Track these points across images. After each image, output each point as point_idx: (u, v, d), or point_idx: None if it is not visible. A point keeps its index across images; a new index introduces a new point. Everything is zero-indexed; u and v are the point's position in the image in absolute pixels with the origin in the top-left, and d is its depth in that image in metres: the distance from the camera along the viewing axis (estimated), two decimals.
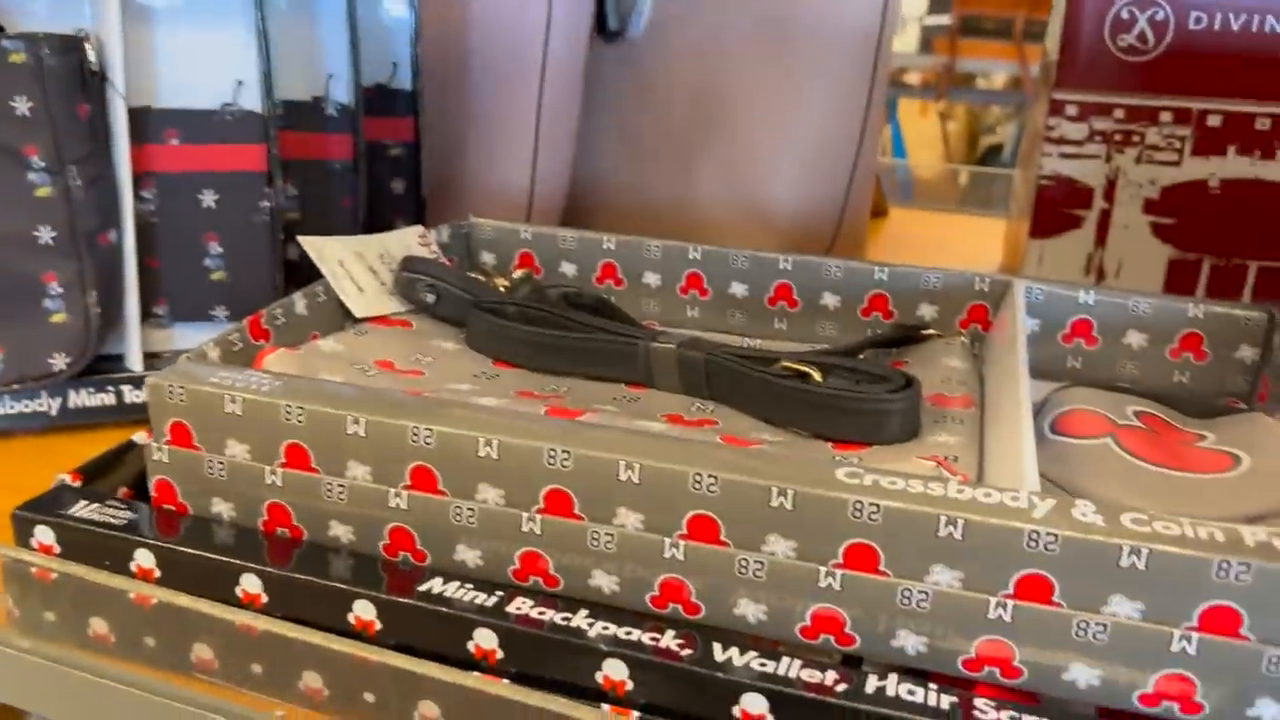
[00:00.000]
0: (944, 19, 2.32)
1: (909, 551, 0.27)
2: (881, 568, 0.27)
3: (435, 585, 0.30)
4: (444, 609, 0.29)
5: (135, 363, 0.47)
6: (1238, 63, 0.53)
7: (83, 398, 0.46)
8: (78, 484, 0.35)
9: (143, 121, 0.46)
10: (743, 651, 0.28)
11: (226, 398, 0.32)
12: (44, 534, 0.33)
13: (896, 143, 2.36)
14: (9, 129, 0.42)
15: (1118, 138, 0.56)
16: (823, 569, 0.27)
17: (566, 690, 0.28)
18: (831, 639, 0.28)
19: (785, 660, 0.27)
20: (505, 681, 0.28)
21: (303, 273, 0.46)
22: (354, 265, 0.44)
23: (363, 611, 0.30)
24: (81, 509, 0.33)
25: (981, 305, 0.45)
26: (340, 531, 0.32)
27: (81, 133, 0.44)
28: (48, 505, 0.33)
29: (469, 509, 0.30)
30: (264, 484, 0.32)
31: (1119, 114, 0.55)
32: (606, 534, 0.29)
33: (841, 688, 0.26)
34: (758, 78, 0.66)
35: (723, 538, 0.28)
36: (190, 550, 0.31)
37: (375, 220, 0.55)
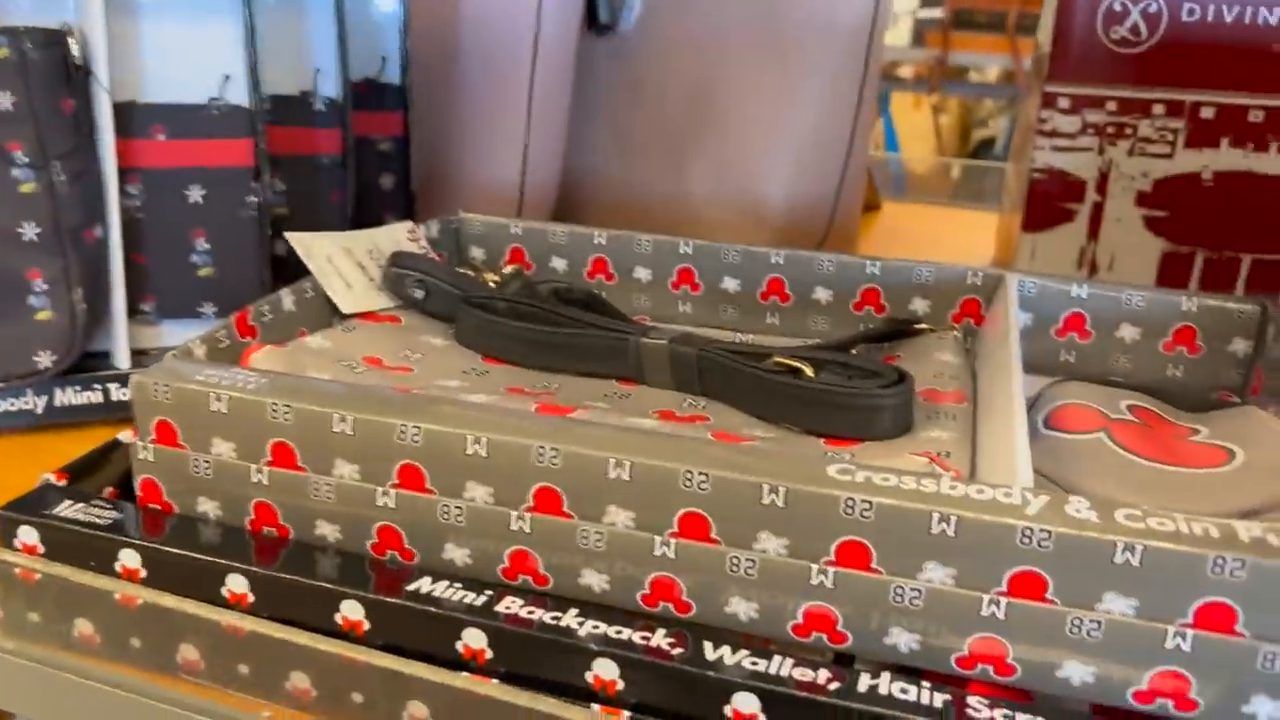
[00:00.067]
0: (936, 12, 2.32)
1: (901, 548, 0.26)
2: (874, 565, 0.27)
3: (424, 584, 0.30)
4: (432, 608, 0.29)
5: (122, 360, 0.47)
6: (1230, 55, 0.53)
7: (69, 396, 0.45)
8: (62, 483, 0.34)
9: (128, 116, 0.46)
10: (734, 650, 0.27)
11: (212, 396, 0.31)
12: (28, 534, 0.32)
13: (889, 136, 2.35)
14: None
15: (1110, 130, 0.56)
16: (814, 566, 0.27)
17: (556, 690, 0.28)
18: (824, 637, 0.28)
19: (777, 659, 0.27)
20: (494, 681, 0.28)
21: (291, 269, 0.46)
22: (342, 261, 0.43)
23: (350, 611, 0.29)
24: (66, 509, 0.33)
25: (974, 299, 0.45)
26: (327, 530, 0.31)
27: (66, 128, 0.43)
28: (32, 505, 0.33)
29: (457, 507, 0.30)
30: (250, 483, 0.32)
31: (1111, 106, 0.55)
32: (596, 532, 0.29)
33: (834, 686, 0.26)
34: (749, 72, 0.66)
35: (714, 535, 0.28)
36: (176, 550, 0.31)
37: (364, 215, 0.55)
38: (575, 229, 0.50)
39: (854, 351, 0.42)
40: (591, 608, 0.29)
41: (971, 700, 0.26)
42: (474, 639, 0.28)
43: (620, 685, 0.27)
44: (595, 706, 0.27)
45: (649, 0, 0.68)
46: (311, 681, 0.29)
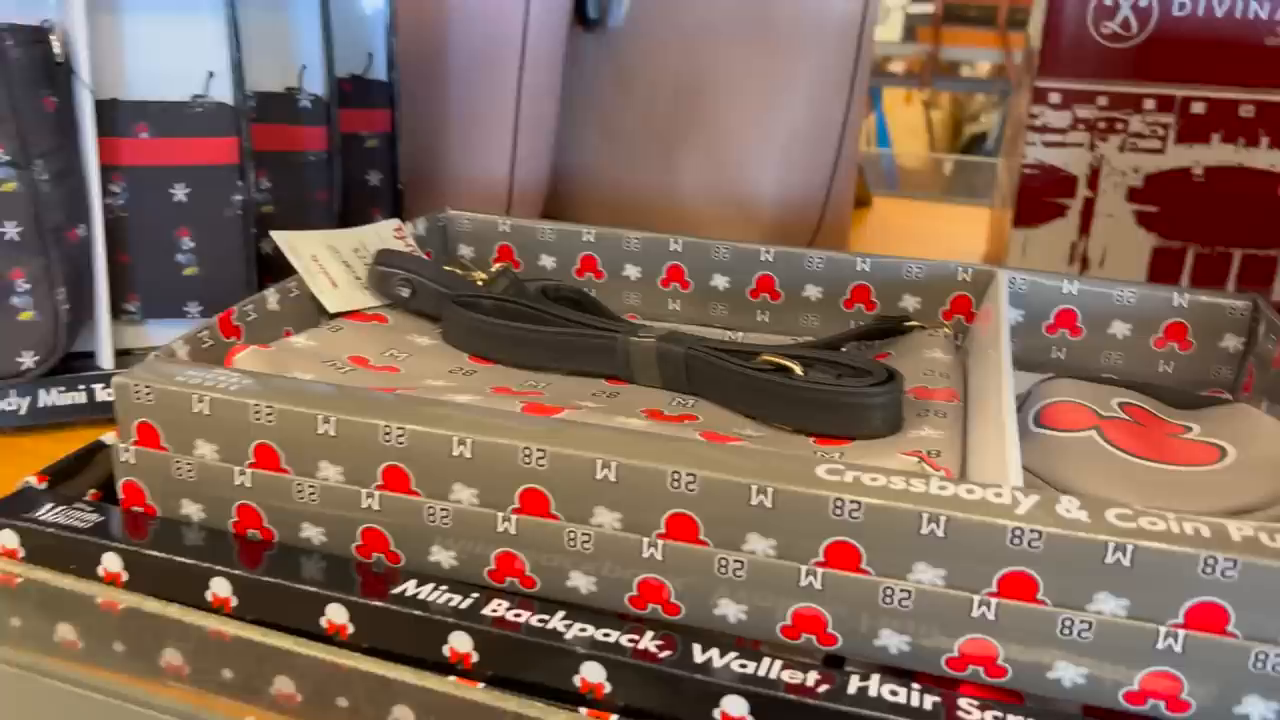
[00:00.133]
0: (927, 7, 2.31)
1: (891, 549, 0.26)
2: (863, 566, 0.27)
3: (409, 588, 0.29)
4: (418, 612, 0.28)
5: (106, 360, 0.46)
6: (1221, 49, 0.53)
7: (53, 396, 0.45)
8: (44, 486, 0.34)
9: (111, 114, 0.45)
10: (723, 653, 0.27)
11: (194, 397, 0.31)
12: (8, 538, 0.32)
13: (880, 132, 2.35)
14: None
15: (1101, 126, 0.55)
16: (803, 568, 0.27)
17: (544, 693, 0.27)
18: (813, 639, 0.28)
19: (766, 661, 0.27)
20: (481, 685, 0.27)
21: (277, 267, 0.45)
22: (328, 260, 0.43)
23: (335, 615, 0.29)
24: (47, 512, 0.32)
25: (964, 296, 0.45)
26: (312, 533, 0.31)
27: (48, 126, 0.43)
28: (12, 508, 0.32)
29: (443, 509, 0.29)
30: (233, 485, 0.31)
31: (1102, 102, 0.55)
32: (584, 534, 0.28)
33: (823, 689, 0.26)
34: (740, 67, 0.66)
35: (702, 537, 0.28)
36: (158, 554, 0.31)
37: (351, 213, 0.54)
38: (564, 226, 0.50)
39: (844, 349, 0.41)
40: (579, 610, 0.29)
41: (962, 702, 0.26)
42: (460, 642, 0.28)
43: (608, 688, 0.27)
44: (583, 710, 0.27)
45: None
46: (296, 686, 0.29)
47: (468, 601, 0.29)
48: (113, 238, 0.46)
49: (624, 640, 0.27)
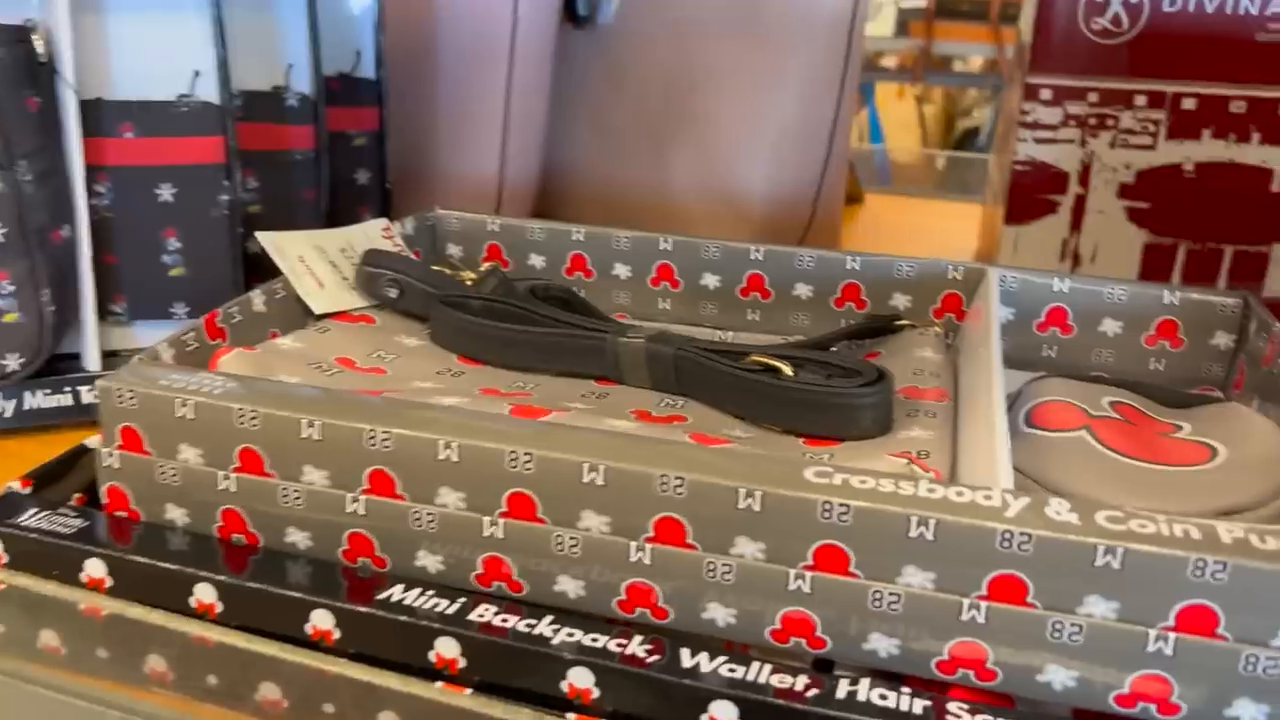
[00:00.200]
0: (919, 2, 2.31)
1: (880, 552, 0.26)
2: (852, 569, 0.26)
3: (396, 593, 0.29)
4: (403, 617, 0.28)
5: (92, 362, 0.46)
6: (1212, 45, 0.53)
7: (38, 399, 0.45)
8: (27, 490, 0.34)
9: (95, 114, 0.45)
10: (712, 657, 0.27)
11: (178, 401, 0.31)
12: None
13: (874, 127, 2.35)
14: None
15: (1092, 122, 0.55)
16: (792, 571, 0.27)
17: (531, 699, 0.27)
18: (802, 642, 0.27)
19: (755, 666, 0.27)
20: (468, 691, 0.27)
21: (265, 267, 0.45)
22: (314, 260, 0.43)
23: (321, 621, 0.29)
24: (30, 517, 0.32)
25: (955, 294, 0.44)
26: (297, 538, 0.31)
27: (31, 126, 0.43)
28: None
29: (429, 514, 0.29)
30: (217, 489, 0.31)
31: (1093, 98, 0.55)
32: (571, 538, 0.28)
33: (812, 693, 0.26)
34: (730, 63, 0.66)
35: (690, 540, 0.27)
36: (142, 559, 0.30)
37: (340, 212, 0.54)
38: (553, 225, 0.49)
39: (834, 349, 0.41)
40: (567, 615, 0.28)
41: (952, 706, 0.26)
42: (447, 648, 0.28)
43: (596, 694, 0.27)
44: (571, 716, 0.27)
45: None
46: (282, 692, 0.29)
47: (454, 607, 0.28)
48: (98, 238, 0.45)
49: (612, 645, 0.27)
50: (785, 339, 0.46)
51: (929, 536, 0.25)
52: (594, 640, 0.27)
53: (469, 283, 0.44)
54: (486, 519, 0.29)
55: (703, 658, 0.27)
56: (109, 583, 0.31)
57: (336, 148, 0.54)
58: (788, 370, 0.35)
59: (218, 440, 0.31)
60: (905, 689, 0.26)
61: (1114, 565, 0.24)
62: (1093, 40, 0.54)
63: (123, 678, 0.30)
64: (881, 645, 0.27)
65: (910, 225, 0.82)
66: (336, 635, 0.29)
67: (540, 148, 0.67)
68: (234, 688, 0.29)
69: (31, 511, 0.32)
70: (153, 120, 0.46)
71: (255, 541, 0.31)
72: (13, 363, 0.43)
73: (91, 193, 0.45)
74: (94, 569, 0.31)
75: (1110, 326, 0.43)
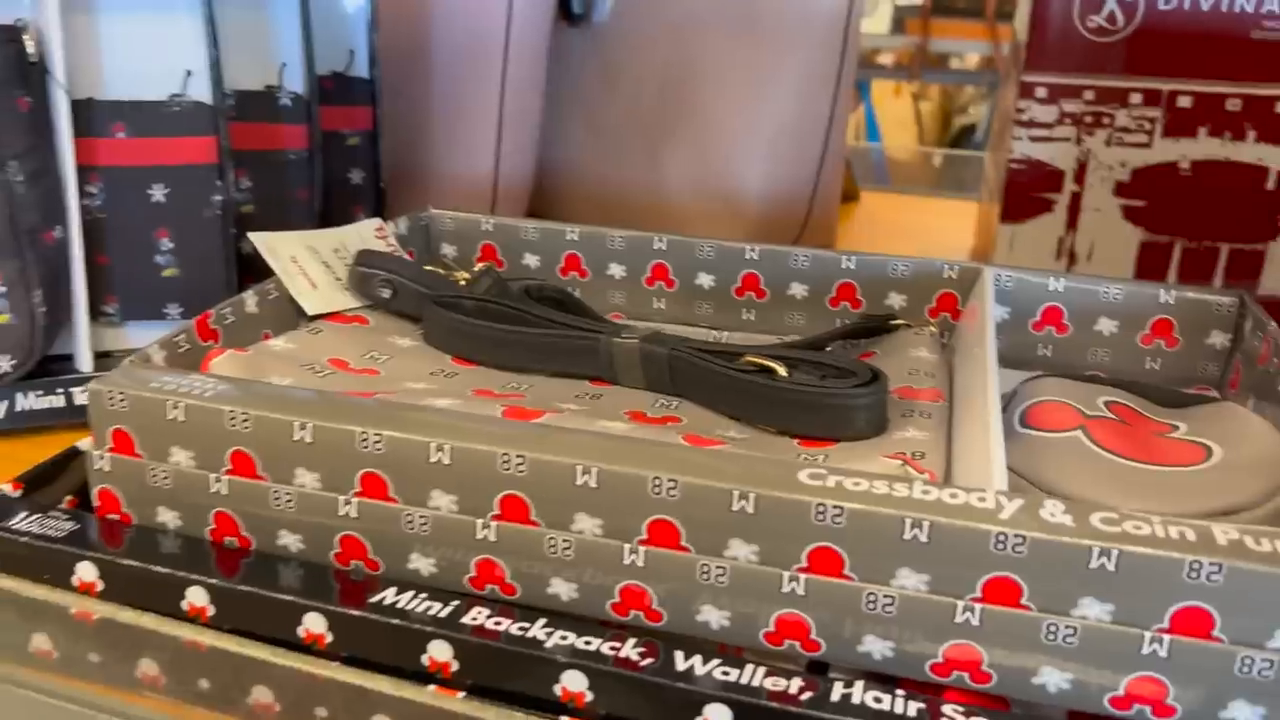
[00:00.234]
0: None
1: (874, 555, 0.26)
2: (846, 571, 0.26)
3: (388, 596, 0.29)
4: (396, 621, 0.28)
5: (85, 363, 0.46)
6: (1207, 43, 0.53)
7: (30, 400, 0.44)
8: (18, 493, 0.34)
9: (87, 114, 0.44)
10: (706, 660, 0.27)
11: (169, 403, 0.30)
12: None
13: (870, 125, 2.35)
14: None
15: (1088, 120, 0.55)
16: (786, 574, 0.27)
17: (524, 703, 0.27)
18: (797, 645, 0.27)
19: (749, 668, 0.26)
20: (461, 695, 0.27)
21: (259, 267, 0.45)
22: (307, 261, 0.43)
23: (313, 624, 0.29)
24: (21, 520, 0.32)
25: (950, 294, 0.44)
26: (289, 541, 0.31)
27: (22, 126, 0.42)
28: None
29: (422, 517, 0.29)
30: (209, 492, 0.31)
31: (1089, 96, 0.55)
32: (564, 540, 0.28)
33: (806, 696, 0.26)
34: (725, 61, 0.65)
35: (684, 543, 0.27)
36: (134, 563, 0.30)
37: (333, 212, 0.54)
38: (547, 225, 0.49)
39: (829, 349, 0.41)
40: (560, 618, 0.28)
41: (946, 708, 0.25)
42: (439, 651, 0.28)
43: (590, 697, 0.27)
44: (564, 719, 0.27)
45: None
46: (274, 696, 0.29)
47: (447, 610, 0.28)
48: (90, 239, 0.45)
49: (605, 648, 0.27)
50: (780, 339, 0.46)
51: (923, 539, 0.25)
52: (587, 643, 0.27)
53: (463, 283, 0.44)
54: (479, 521, 0.29)
55: (696, 660, 0.27)
56: (100, 586, 0.31)
57: (330, 147, 0.53)
58: (782, 371, 0.35)
59: (209, 443, 0.30)
60: (900, 691, 0.26)
61: (1109, 567, 0.24)
62: (1088, 38, 0.54)
63: (115, 681, 0.30)
64: (876, 648, 0.27)
65: (906, 223, 0.82)
66: (329, 639, 0.29)
67: (535, 146, 0.67)
68: (226, 691, 0.29)
69: (22, 515, 0.32)
70: (145, 120, 0.45)
71: (247, 544, 0.31)
72: (4, 364, 0.43)
73: (83, 193, 0.45)
74: (85, 572, 0.31)
75: (1106, 326, 0.43)
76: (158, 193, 0.46)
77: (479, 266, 0.45)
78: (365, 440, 0.29)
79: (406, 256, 0.47)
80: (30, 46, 0.42)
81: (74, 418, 0.45)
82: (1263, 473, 0.31)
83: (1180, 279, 0.56)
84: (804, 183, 0.68)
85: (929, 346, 0.41)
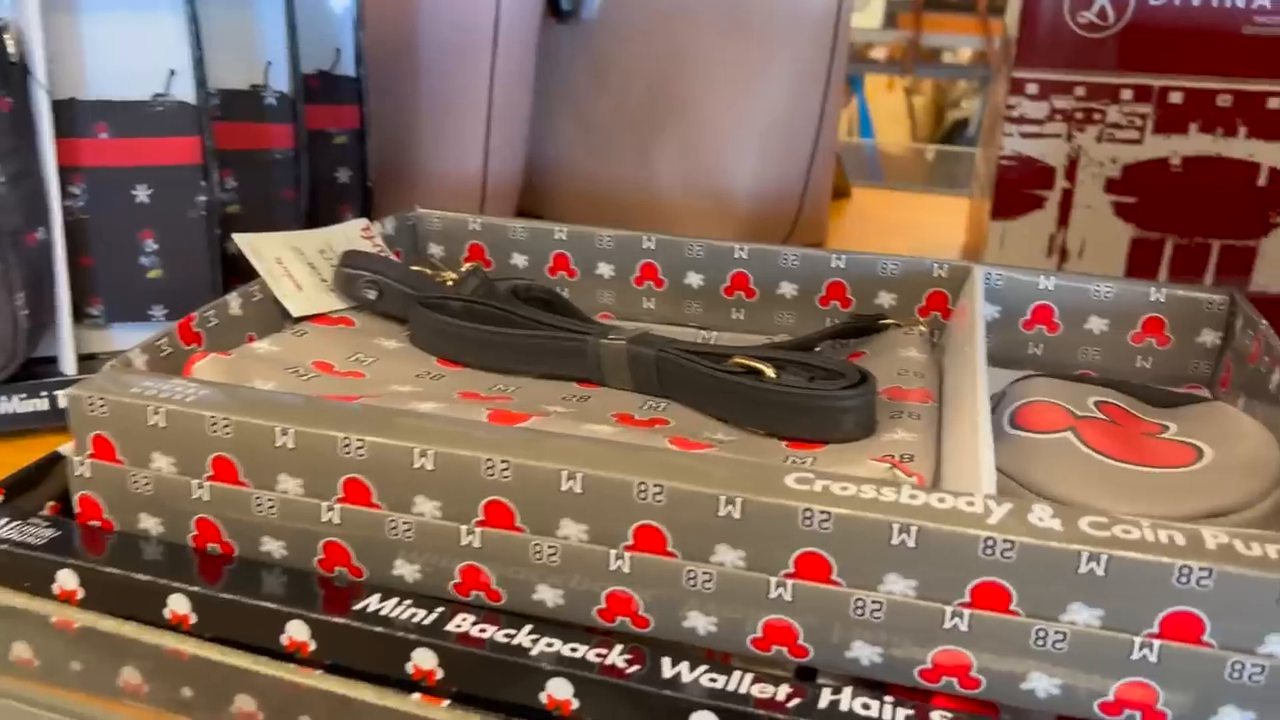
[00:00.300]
0: None
1: (861, 560, 0.26)
2: (834, 577, 0.26)
3: (372, 603, 0.29)
4: (380, 629, 0.28)
5: (69, 366, 0.45)
6: (1198, 38, 0.52)
7: (14, 404, 0.44)
8: (0, 499, 0.33)
9: (69, 114, 0.44)
10: (693, 667, 0.27)
11: (150, 409, 0.30)
12: None
13: (863, 120, 2.34)
14: None
15: (1079, 116, 0.55)
16: (773, 579, 0.26)
17: (510, 711, 0.27)
18: (784, 650, 0.27)
19: (737, 675, 0.26)
20: (445, 703, 0.27)
21: (244, 268, 0.44)
22: (292, 262, 0.42)
23: (296, 632, 0.28)
24: (1, 527, 0.31)
25: (941, 292, 0.44)
26: (273, 547, 0.30)
27: (3, 127, 0.42)
28: None
29: (405, 523, 0.29)
30: (191, 498, 0.30)
31: (1080, 92, 0.54)
32: (550, 546, 0.28)
33: (794, 703, 0.25)
34: (715, 57, 0.65)
35: (670, 548, 0.27)
36: (115, 570, 0.30)
37: (320, 211, 0.53)
38: (535, 224, 0.49)
39: (819, 349, 0.41)
40: (546, 624, 0.28)
41: (935, 714, 0.25)
42: (424, 659, 0.27)
43: (575, 704, 0.26)
44: None
45: None
46: (257, 704, 0.28)
47: (431, 617, 0.28)
48: (74, 240, 0.45)
49: (591, 655, 0.27)
50: (770, 338, 0.46)
51: (911, 544, 0.25)
52: (573, 650, 0.27)
53: (450, 283, 0.44)
54: (463, 528, 0.28)
55: (683, 667, 0.26)
56: (81, 594, 0.30)
57: (317, 146, 0.53)
58: (770, 372, 0.34)
59: (190, 448, 0.30)
60: (888, 698, 0.26)
61: (1098, 572, 0.24)
62: (1078, 34, 0.54)
63: (97, 690, 0.30)
64: (864, 653, 0.26)
65: (898, 220, 0.82)
66: (312, 647, 0.28)
67: (524, 143, 0.67)
68: (209, 700, 0.29)
69: (3, 522, 0.32)
70: (128, 120, 0.45)
71: (230, 551, 0.31)
72: None
73: (66, 194, 0.44)
74: (66, 580, 0.30)
75: (1096, 324, 0.43)
76: (141, 193, 0.46)
77: (466, 267, 0.45)
78: (348, 446, 0.28)
79: (393, 257, 0.47)
80: (10, 46, 0.42)
81: (58, 421, 0.45)
82: (1254, 474, 0.31)
83: (1172, 276, 0.56)
84: (795, 179, 0.68)
85: (918, 346, 0.41)
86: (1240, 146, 0.53)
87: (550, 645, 0.27)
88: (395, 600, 0.29)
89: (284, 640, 0.28)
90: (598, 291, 0.48)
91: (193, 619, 0.29)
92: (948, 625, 0.25)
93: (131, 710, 0.30)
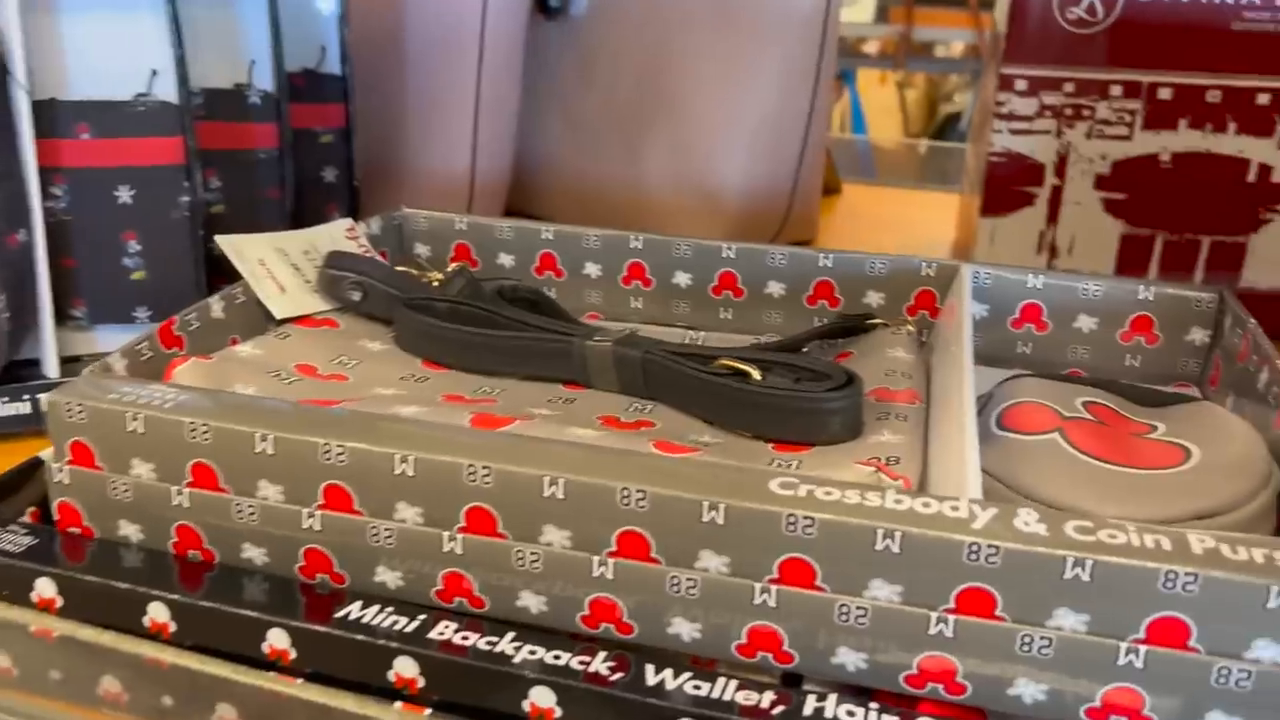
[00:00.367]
0: None
1: (846, 565, 0.25)
2: (818, 583, 0.26)
3: (354, 610, 0.28)
4: (361, 636, 0.27)
5: (51, 369, 0.45)
6: (1188, 34, 0.52)
7: None
8: None
9: (50, 115, 0.44)
10: (677, 674, 0.26)
11: (128, 415, 0.30)
12: None
13: (856, 116, 2.34)
14: None
15: (1068, 112, 0.55)
16: (757, 585, 0.26)
17: (492, 719, 0.26)
18: (769, 657, 0.27)
19: (721, 682, 0.26)
20: (427, 712, 0.27)
21: (229, 268, 0.44)
22: (276, 263, 0.42)
23: (277, 640, 0.28)
24: None
25: (929, 291, 0.44)
26: (254, 554, 0.30)
27: None
28: None
29: (387, 529, 0.28)
30: (171, 505, 0.30)
31: (1069, 88, 0.54)
32: (532, 553, 0.28)
33: (778, 710, 0.25)
34: (704, 53, 0.65)
35: (654, 554, 0.27)
36: (94, 579, 0.30)
37: (306, 211, 0.53)
38: (522, 224, 0.49)
39: (806, 350, 0.41)
40: (530, 631, 0.28)
41: None
42: (406, 667, 0.27)
43: (558, 713, 0.26)
44: None
45: None
46: (238, 713, 0.28)
47: (414, 624, 0.28)
48: (56, 242, 0.44)
49: (574, 663, 0.26)
50: (758, 338, 0.45)
51: (895, 549, 0.25)
52: (556, 658, 0.27)
53: (435, 284, 0.43)
54: (445, 534, 0.28)
55: (667, 674, 0.26)
56: (60, 603, 0.30)
57: (302, 145, 0.53)
58: (755, 374, 0.34)
59: (169, 455, 0.30)
60: (874, 704, 0.26)
61: (1083, 577, 0.24)
62: (1068, 30, 0.53)
63: (76, 699, 0.30)
64: (850, 659, 0.26)
65: (889, 216, 0.82)
66: (293, 655, 0.28)
67: (513, 140, 0.67)
68: (189, 709, 0.28)
69: None
70: (109, 121, 0.45)
71: (211, 558, 0.31)
72: None
73: (47, 195, 0.44)
74: (44, 589, 0.30)
75: (1085, 323, 0.43)
76: (124, 194, 0.45)
77: (452, 267, 0.45)
78: (328, 452, 0.28)
79: (379, 257, 0.47)
80: None
81: (40, 425, 0.44)
82: (1242, 474, 0.31)
83: (1162, 272, 0.56)
84: (784, 176, 0.68)
85: (906, 346, 0.40)
86: (1230, 142, 0.53)
87: (533, 653, 0.27)
88: (377, 608, 0.28)
89: (265, 649, 0.28)
90: (585, 291, 0.48)
91: (172, 627, 0.29)
92: (933, 631, 0.25)
93: (112, 719, 0.29)
